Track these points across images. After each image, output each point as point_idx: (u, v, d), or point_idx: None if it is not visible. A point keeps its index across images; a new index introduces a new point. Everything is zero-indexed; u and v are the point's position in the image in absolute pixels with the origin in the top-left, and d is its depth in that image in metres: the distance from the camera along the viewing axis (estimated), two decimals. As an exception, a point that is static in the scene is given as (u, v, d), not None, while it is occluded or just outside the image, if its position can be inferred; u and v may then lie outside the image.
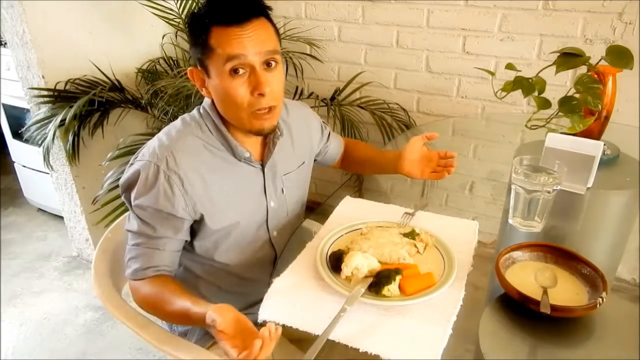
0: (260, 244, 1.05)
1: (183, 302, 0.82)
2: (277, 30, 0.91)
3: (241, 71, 0.86)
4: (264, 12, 0.88)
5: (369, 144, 1.33)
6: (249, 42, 0.84)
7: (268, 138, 1.00)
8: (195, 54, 0.90)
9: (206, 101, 0.97)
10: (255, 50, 0.85)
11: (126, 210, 1.01)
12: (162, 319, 0.95)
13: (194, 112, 0.99)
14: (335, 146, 1.28)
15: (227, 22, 0.83)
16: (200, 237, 0.98)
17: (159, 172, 0.88)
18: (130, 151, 1.63)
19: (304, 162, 1.12)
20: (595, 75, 1.16)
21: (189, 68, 0.94)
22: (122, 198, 0.96)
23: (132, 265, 0.92)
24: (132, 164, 0.94)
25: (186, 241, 0.97)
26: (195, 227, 0.97)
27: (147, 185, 0.89)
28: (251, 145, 0.99)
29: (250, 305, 1.05)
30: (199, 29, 0.86)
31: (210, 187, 0.94)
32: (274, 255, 1.08)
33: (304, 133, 1.12)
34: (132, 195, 0.91)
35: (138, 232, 0.91)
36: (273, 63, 0.88)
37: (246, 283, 1.06)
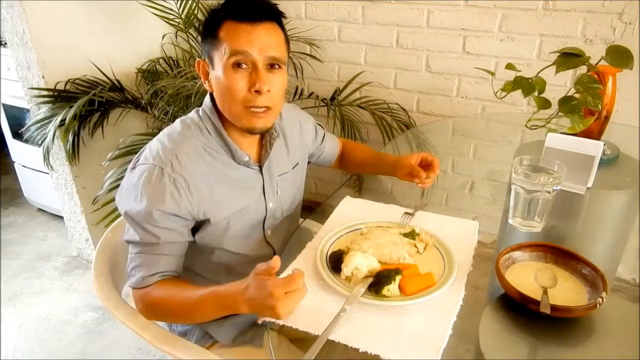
0: (257, 243, 1.05)
1: (204, 289, 0.83)
2: (287, 39, 0.93)
3: (244, 66, 0.87)
4: (277, 17, 0.90)
5: (368, 147, 1.33)
6: (257, 41, 0.86)
7: (265, 139, 1.00)
8: (204, 45, 0.92)
9: (206, 103, 0.97)
10: (261, 50, 0.87)
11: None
12: (178, 317, 0.94)
13: (193, 114, 0.98)
14: (331, 148, 1.28)
15: (240, 18, 0.86)
16: (201, 232, 0.97)
17: (163, 175, 0.87)
18: (130, 151, 1.63)
19: (297, 163, 1.13)
20: (595, 75, 1.16)
21: (197, 60, 0.96)
22: (117, 204, 0.93)
23: (136, 274, 0.90)
24: (134, 168, 0.92)
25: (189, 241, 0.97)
26: (198, 225, 0.96)
27: (152, 187, 0.87)
28: (249, 147, 0.99)
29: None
30: (212, 22, 0.89)
31: (214, 190, 0.93)
32: (272, 253, 1.08)
33: (296, 134, 1.13)
34: (132, 200, 0.88)
35: (141, 242, 0.89)
36: (276, 66, 0.90)
37: None
